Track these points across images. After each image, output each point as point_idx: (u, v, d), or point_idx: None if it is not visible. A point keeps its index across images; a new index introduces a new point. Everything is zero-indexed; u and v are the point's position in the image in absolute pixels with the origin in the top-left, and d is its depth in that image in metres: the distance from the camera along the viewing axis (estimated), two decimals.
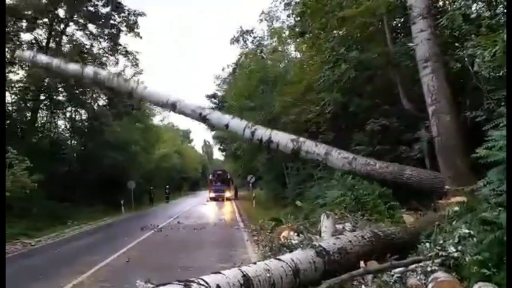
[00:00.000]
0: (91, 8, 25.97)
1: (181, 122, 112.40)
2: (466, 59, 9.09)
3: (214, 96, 50.03)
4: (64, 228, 16.35)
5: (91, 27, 26.30)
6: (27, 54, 13.34)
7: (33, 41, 23.74)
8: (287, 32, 23.34)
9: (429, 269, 5.49)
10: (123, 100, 27.52)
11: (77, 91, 25.02)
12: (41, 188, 16.67)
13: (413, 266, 5.87)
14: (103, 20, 26.38)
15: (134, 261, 9.15)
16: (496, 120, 5.95)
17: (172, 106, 12.49)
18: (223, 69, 39.84)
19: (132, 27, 27.08)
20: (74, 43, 26.02)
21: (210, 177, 43.01)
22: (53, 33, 24.60)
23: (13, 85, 22.58)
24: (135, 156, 29.47)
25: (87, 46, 26.60)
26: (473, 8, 10.52)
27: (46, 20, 23.85)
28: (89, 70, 13.10)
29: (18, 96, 22.94)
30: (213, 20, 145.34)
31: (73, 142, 27.67)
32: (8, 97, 22.64)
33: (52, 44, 24.53)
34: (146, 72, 49.76)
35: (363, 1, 12.78)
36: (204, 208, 28.89)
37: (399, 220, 9.33)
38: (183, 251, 10.46)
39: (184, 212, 25.00)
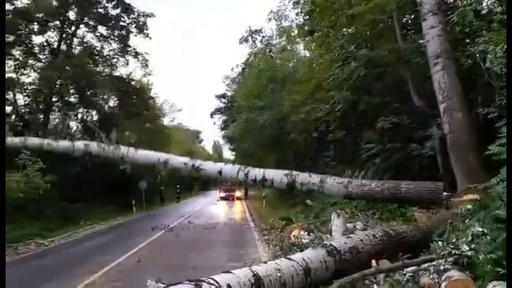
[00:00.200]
0: (101, 10, 26.21)
1: (191, 122, 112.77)
2: (477, 55, 8.96)
3: (223, 96, 50.25)
4: (77, 228, 16.48)
5: (101, 29, 26.55)
6: (18, 140, 13.65)
7: (45, 44, 23.98)
8: (296, 31, 23.27)
9: (442, 268, 5.41)
10: (133, 101, 27.82)
11: (88, 93, 25.22)
12: (54, 189, 16.85)
13: (425, 265, 5.79)
14: (113, 22, 26.60)
15: (145, 261, 9.18)
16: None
17: (164, 163, 12.86)
18: (232, 69, 40.06)
19: (141, 28, 27.27)
20: (85, 45, 26.26)
21: None
22: (64, 35, 24.85)
23: (26, 87, 22.90)
24: None
25: (97, 48, 26.83)
26: (484, 4, 10.37)
27: (57, 22, 24.13)
28: (80, 144, 13.65)
29: (31, 98, 23.20)
30: (216, 21, 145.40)
31: None
32: (21, 99, 22.99)
33: (63, 47, 24.78)
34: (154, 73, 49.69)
35: None
36: (214, 207, 28.95)
37: (411, 218, 9.23)
38: (194, 250, 10.48)
39: (195, 211, 25.06)
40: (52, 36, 24.37)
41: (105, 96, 27.45)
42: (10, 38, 21.54)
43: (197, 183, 62.83)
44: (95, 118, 27.72)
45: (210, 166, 12.73)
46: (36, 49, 23.59)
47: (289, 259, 5.83)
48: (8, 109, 22.57)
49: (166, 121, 44.18)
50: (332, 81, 15.21)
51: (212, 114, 53.82)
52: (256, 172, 12.24)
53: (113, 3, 26.23)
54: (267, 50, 27.39)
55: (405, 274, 5.71)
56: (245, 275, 4.91)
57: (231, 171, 12.55)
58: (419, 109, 12.15)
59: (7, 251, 11.25)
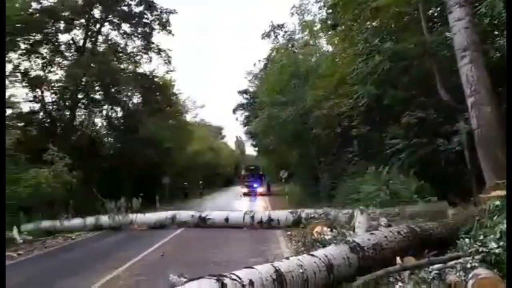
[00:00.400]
0: (125, 8, 26.55)
1: (214, 119, 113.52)
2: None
3: (245, 92, 50.31)
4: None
5: (125, 26, 26.90)
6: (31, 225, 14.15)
7: (71, 42, 24.47)
8: (318, 26, 23.01)
9: (469, 265, 5.29)
10: (156, 97, 28.15)
11: (112, 90, 25.63)
12: (81, 184, 17.22)
13: (452, 262, 5.67)
14: (136, 19, 26.93)
15: (168, 256, 9.27)
16: None
17: (172, 219, 14.23)
18: (254, 65, 39.91)
19: (164, 25, 27.50)
20: (109, 42, 26.68)
21: (243, 172, 43.23)
22: (89, 33, 25.28)
23: (53, 85, 23.43)
24: (168, 152, 29.91)
25: (121, 45, 27.22)
26: None
27: (82, 20, 24.56)
28: (91, 219, 14.28)
29: (58, 95, 23.73)
30: (231, 19, 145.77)
31: (109, 139, 28.41)
32: (48, 97, 23.54)
33: (88, 44, 25.24)
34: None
35: None
36: (237, 203, 29.03)
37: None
38: (217, 246, 10.52)
39: (218, 207, 25.18)
40: (77, 34, 24.86)
41: (129, 93, 27.85)
42: (38, 36, 22.08)
43: (219, 179, 63.28)
44: (120, 114, 28.17)
45: (216, 215, 14.27)
46: (63, 47, 24.09)
47: (312, 255, 5.80)
48: (36, 106, 23.17)
49: (189, 117, 44.60)
50: (356, 76, 15.00)
51: (234, 110, 54.04)
52: (262, 214, 13.93)
53: (137, 0, 26.56)
54: (290, 45, 27.19)
55: (430, 272, 5.60)
56: (267, 271, 4.91)
57: (237, 216, 14.02)
58: (446, 103, 11.86)
59: (36, 245, 11.62)
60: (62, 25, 23.34)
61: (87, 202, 17.99)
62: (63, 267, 8.86)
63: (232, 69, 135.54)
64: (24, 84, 22.21)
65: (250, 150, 73.92)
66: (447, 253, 6.19)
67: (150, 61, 28.30)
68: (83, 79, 23.03)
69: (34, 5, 21.36)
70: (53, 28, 22.89)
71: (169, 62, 28.89)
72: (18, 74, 21.91)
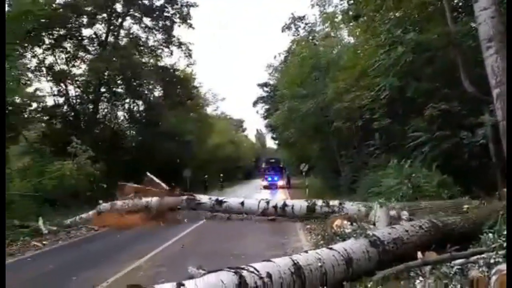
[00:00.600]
0: (146, 2, 26.78)
1: (234, 112, 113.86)
2: None
3: (265, 85, 50.20)
4: None
5: (146, 20, 27.15)
6: None
7: (93, 36, 24.85)
8: (340, 17, 22.70)
9: (492, 261, 5.17)
10: (177, 91, 28.37)
11: (134, 83, 25.94)
12: (105, 176, 17.54)
13: (474, 257, 5.56)
14: (157, 13, 27.13)
15: (188, 248, 9.37)
16: None
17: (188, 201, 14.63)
18: (274, 57, 39.73)
19: (185, 18, 27.64)
20: (131, 36, 26.97)
21: (263, 165, 43.20)
22: (111, 27, 25.62)
23: (76, 79, 23.87)
24: (189, 145, 30.14)
25: (143, 39, 27.50)
26: None
27: (104, 15, 24.90)
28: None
29: (81, 89, 24.17)
30: (250, 12, 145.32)
31: (131, 132, 28.80)
32: (72, 91, 24.00)
33: (110, 39, 25.58)
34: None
35: None
36: (257, 196, 29.06)
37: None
38: (236, 238, 10.57)
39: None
40: (100, 28, 25.29)
41: (150, 86, 28.17)
42: (62, 31, 22.50)
43: (240, 172, 63.51)
44: (141, 108, 28.52)
45: (232, 200, 14.58)
46: (86, 42, 24.52)
47: (331, 248, 5.77)
48: (61, 100, 23.66)
49: (209, 110, 44.86)
50: (378, 67, 14.75)
51: (254, 103, 54.04)
52: (277, 201, 14.35)
53: None
54: (310, 37, 26.91)
55: (452, 267, 5.51)
56: (285, 264, 4.91)
57: (252, 202, 14.36)
58: (471, 95, 11.56)
59: (61, 235, 11.90)
60: (85, 19, 23.75)
61: (110, 195, 18.38)
62: (86, 257, 9.06)
63: (253, 62, 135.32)
64: (48, 78, 22.73)
65: (271, 143, 73.96)
66: (470, 248, 6.06)
67: (171, 54, 28.61)
68: (106, 73, 23.41)
69: (58, 0, 21.75)
70: (76, 22, 23.32)
71: (190, 55, 29.13)
72: (43, 69, 22.47)
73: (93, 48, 25.02)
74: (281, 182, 38.48)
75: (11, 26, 15.87)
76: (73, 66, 24.04)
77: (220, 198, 14.58)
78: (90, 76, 23.53)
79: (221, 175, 39.98)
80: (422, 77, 13.82)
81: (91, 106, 24.80)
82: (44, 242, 10.74)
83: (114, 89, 25.70)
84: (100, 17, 24.74)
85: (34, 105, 20.77)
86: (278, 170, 40.18)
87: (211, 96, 45.99)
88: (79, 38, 23.98)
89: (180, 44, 28.27)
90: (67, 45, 23.61)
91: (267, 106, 49.86)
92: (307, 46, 24.76)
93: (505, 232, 5.55)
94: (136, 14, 26.74)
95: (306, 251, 5.78)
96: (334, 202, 12.60)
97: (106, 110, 26.76)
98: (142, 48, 27.41)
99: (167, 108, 27.54)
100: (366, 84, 16.51)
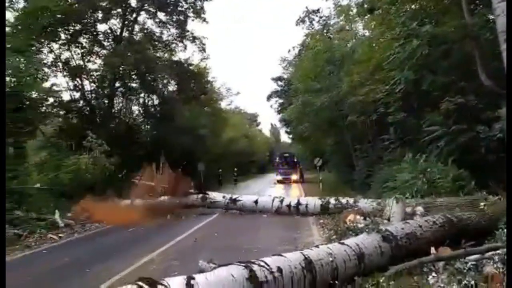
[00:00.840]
0: None
1: (248, 106, 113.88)
2: None
3: (279, 79, 50.06)
4: None
5: (161, 15, 27.18)
6: None
7: (108, 31, 25.02)
8: (354, 10, 22.45)
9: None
10: (191, 85, 28.43)
11: (148, 78, 26.07)
12: (119, 170, 17.72)
13: (489, 253, 5.47)
14: (171, 7, 27.14)
15: (200, 241, 9.43)
16: None
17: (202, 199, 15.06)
18: (288, 51, 39.59)
19: (198, 13, 27.59)
20: (145, 31, 27.08)
21: (277, 160, 43.11)
22: (126, 22, 25.73)
23: (91, 74, 24.10)
24: (203, 139, 30.22)
25: (157, 34, 27.57)
26: None
27: (119, 10, 24.99)
28: None
29: (97, 84, 24.39)
30: (264, 7, 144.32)
31: (146, 126, 28.99)
32: (87, 86, 24.24)
33: (125, 33, 25.72)
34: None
35: None
36: (271, 190, 29.06)
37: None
38: (249, 232, 10.60)
39: (252, 194, 25.30)
40: (115, 23, 25.36)
41: (165, 81, 28.26)
42: (77, 26, 22.70)
43: (254, 166, 63.55)
44: (156, 102, 28.66)
45: (246, 198, 14.71)
46: (101, 37, 24.67)
47: (342, 243, 5.75)
48: (76, 95, 23.91)
49: (223, 104, 44.87)
50: (393, 61, 14.56)
51: (268, 97, 53.93)
52: (290, 199, 14.21)
53: None
54: (325, 30, 26.72)
55: (466, 263, 5.43)
56: (296, 259, 4.90)
57: (266, 200, 14.44)
58: (488, 89, 11.32)
59: (76, 228, 12.07)
60: (100, 15, 23.89)
61: (125, 188, 18.59)
62: (101, 250, 9.19)
63: (267, 56, 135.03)
64: (65, 73, 22.99)
65: (285, 137, 73.86)
66: (485, 244, 5.97)
67: (185, 49, 28.57)
68: (120, 68, 23.53)
69: None
70: (92, 18, 23.47)
71: (204, 49, 29.09)
72: (60, 64, 22.73)
73: (108, 43, 25.15)
74: (294, 177, 38.36)
75: (27, 21, 16.14)
76: (89, 61, 24.23)
77: (234, 197, 14.71)
78: (105, 71, 23.70)
79: (235, 169, 40.02)
80: (438, 70, 13.59)
81: (106, 101, 24.98)
82: (60, 235, 10.92)
83: (128, 83, 25.83)
84: (115, 12, 24.83)
85: (51, 100, 21.01)
86: (292, 165, 40.07)
87: (225, 90, 45.96)
88: (94, 33, 24.13)
89: (194, 39, 28.26)
90: (83, 40, 23.80)
91: (281, 100, 49.74)
92: (321, 39, 24.60)
93: None
94: (150, 8, 26.77)
95: (317, 246, 5.76)
96: (348, 200, 12.53)
97: (121, 104, 26.90)
98: (156, 42, 27.46)
99: (181, 103, 27.61)
100: (381, 77, 16.32)
